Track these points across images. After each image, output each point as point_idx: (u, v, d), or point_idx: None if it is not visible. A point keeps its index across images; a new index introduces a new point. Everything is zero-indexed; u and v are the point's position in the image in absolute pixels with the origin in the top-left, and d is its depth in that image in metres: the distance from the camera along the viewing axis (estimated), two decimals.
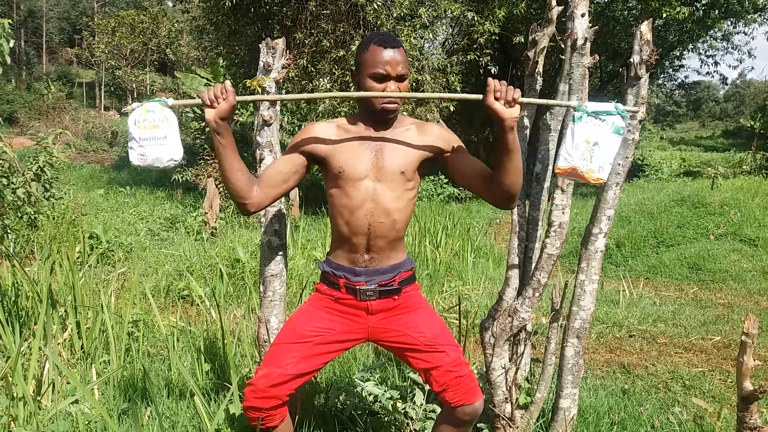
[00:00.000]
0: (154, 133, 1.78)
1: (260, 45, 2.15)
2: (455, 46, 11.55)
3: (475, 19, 9.69)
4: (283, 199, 2.24)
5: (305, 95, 2.14)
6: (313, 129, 1.90)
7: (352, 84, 2.01)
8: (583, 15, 2.12)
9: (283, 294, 2.22)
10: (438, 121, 10.34)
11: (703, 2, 12.10)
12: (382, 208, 1.81)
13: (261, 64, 2.15)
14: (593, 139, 1.78)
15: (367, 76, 1.80)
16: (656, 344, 3.92)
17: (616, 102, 1.81)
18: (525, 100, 1.74)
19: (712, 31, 13.83)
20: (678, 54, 16.40)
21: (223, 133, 1.76)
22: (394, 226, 1.83)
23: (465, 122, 13.64)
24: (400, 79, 1.80)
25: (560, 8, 2.27)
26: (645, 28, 2.08)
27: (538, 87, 2.30)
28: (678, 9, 10.92)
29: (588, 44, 2.12)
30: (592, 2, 14.15)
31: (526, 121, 2.30)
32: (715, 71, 21.69)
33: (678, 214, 7.28)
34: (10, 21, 3.68)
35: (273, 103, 2.20)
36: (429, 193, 11.18)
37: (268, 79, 2.13)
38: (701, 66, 22.15)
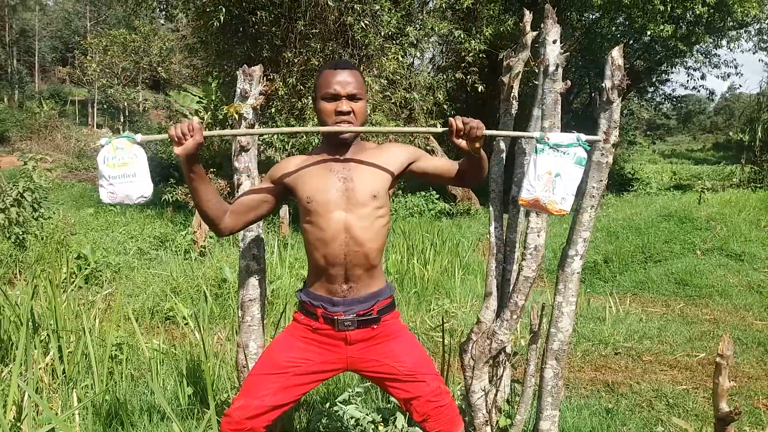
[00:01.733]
0: (124, 171, 1.81)
1: (237, 72, 2.18)
2: (443, 63, 11.64)
3: (463, 37, 9.78)
4: (261, 224, 2.25)
5: (271, 130, 2.15)
6: (286, 161, 1.97)
7: None
8: (554, 41, 2.15)
9: (261, 318, 2.22)
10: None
11: (688, 19, 12.27)
12: (355, 239, 1.81)
13: (238, 91, 2.17)
14: (555, 170, 1.82)
15: (320, 98, 1.85)
16: (642, 362, 3.93)
17: (579, 133, 1.84)
18: (488, 132, 1.80)
19: (696, 47, 14.02)
20: (665, 69, 16.62)
21: (193, 166, 1.80)
22: (369, 254, 1.83)
23: None
24: (351, 98, 1.83)
25: (534, 33, 2.31)
26: (616, 54, 2.11)
27: (513, 111, 2.33)
28: (663, 27, 11.07)
29: (560, 70, 2.15)
30: (579, 19, 14.43)
31: (503, 145, 2.33)
32: (701, 86, 22.09)
33: (665, 229, 7.32)
34: None
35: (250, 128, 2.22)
36: (420, 209, 11.15)
37: (245, 105, 2.15)
38: (687, 81, 22.58)
